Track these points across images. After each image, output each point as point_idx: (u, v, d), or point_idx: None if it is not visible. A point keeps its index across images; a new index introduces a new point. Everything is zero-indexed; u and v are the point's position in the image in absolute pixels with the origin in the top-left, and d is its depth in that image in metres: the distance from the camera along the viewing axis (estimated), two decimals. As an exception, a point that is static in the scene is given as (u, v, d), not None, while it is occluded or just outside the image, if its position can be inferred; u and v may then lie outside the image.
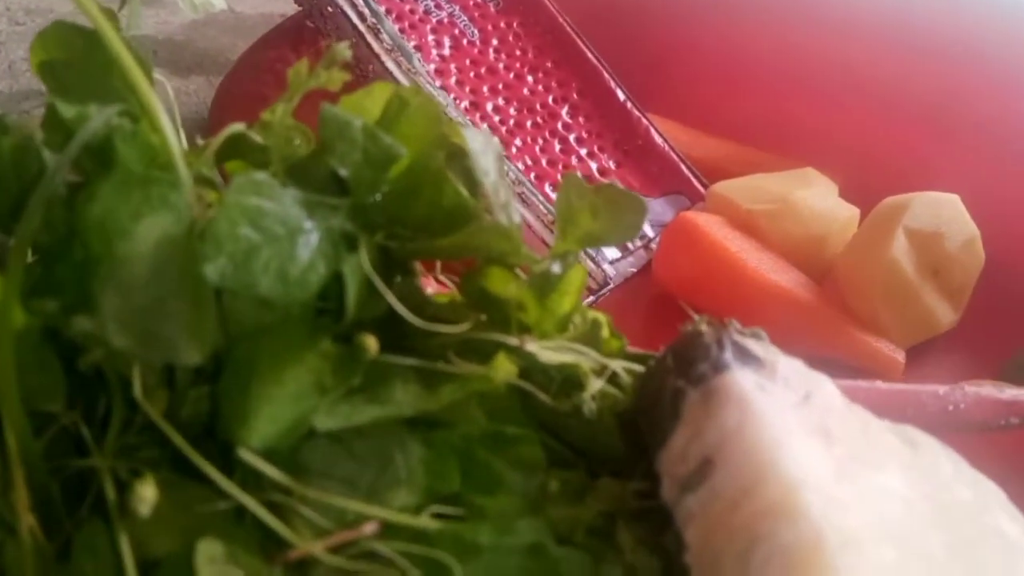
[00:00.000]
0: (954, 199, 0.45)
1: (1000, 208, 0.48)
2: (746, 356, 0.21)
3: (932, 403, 0.26)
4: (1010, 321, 0.47)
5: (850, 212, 0.48)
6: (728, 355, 0.21)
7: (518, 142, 0.50)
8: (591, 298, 0.46)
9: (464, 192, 0.23)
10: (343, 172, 0.21)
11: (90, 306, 0.18)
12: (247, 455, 0.19)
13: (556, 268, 0.23)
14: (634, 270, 0.50)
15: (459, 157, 0.23)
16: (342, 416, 0.20)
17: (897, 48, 0.54)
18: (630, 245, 0.51)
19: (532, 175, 0.49)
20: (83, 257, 0.19)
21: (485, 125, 0.49)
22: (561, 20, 0.53)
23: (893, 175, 0.52)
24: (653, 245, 0.51)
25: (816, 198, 0.48)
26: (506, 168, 0.46)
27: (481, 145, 0.22)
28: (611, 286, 0.47)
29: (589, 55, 0.53)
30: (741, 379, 0.20)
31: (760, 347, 0.22)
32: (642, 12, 0.56)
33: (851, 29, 0.55)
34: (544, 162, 0.50)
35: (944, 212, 0.44)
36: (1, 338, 0.17)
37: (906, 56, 0.54)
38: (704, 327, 0.22)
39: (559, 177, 0.50)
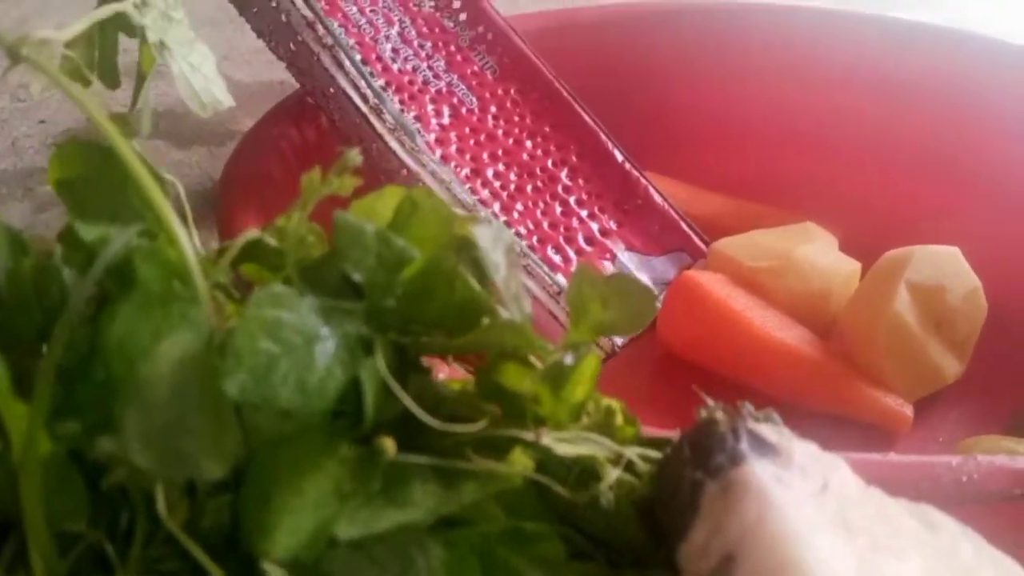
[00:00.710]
0: (954, 252, 0.45)
1: (1002, 256, 0.48)
2: (762, 445, 0.21)
3: (946, 475, 0.26)
4: (1017, 370, 0.47)
5: (851, 267, 0.48)
6: (744, 445, 0.21)
7: (519, 207, 0.51)
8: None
9: (475, 286, 0.23)
10: (357, 277, 0.21)
11: (112, 426, 0.18)
12: (270, 568, 0.19)
13: (569, 359, 0.23)
14: (639, 331, 0.50)
15: (469, 249, 0.23)
16: (363, 523, 0.20)
17: (892, 98, 0.55)
18: (634, 305, 0.51)
19: (535, 239, 0.50)
20: (105, 378, 0.19)
21: (486, 191, 0.50)
22: (557, 85, 0.54)
23: (893, 226, 0.52)
24: (657, 304, 0.51)
25: (817, 254, 0.48)
26: (515, 257, 0.47)
27: (491, 240, 0.23)
28: (618, 352, 0.48)
29: (586, 118, 0.54)
30: (759, 471, 0.20)
31: (775, 433, 0.22)
32: (636, 72, 0.57)
33: (846, 81, 0.56)
34: (546, 225, 0.51)
35: (945, 265, 0.45)
36: (28, 466, 0.18)
37: (901, 106, 0.55)
38: (719, 415, 0.22)
39: (560, 240, 0.51)
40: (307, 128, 0.47)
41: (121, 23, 0.26)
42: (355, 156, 0.22)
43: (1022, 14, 0.77)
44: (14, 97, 0.71)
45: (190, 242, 0.21)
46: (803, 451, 0.22)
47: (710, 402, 0.24)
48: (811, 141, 0.56)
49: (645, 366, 0.49)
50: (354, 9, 0.50)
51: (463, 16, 0.53)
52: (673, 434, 0.24)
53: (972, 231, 0.49)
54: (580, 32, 0.57)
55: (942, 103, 0.54)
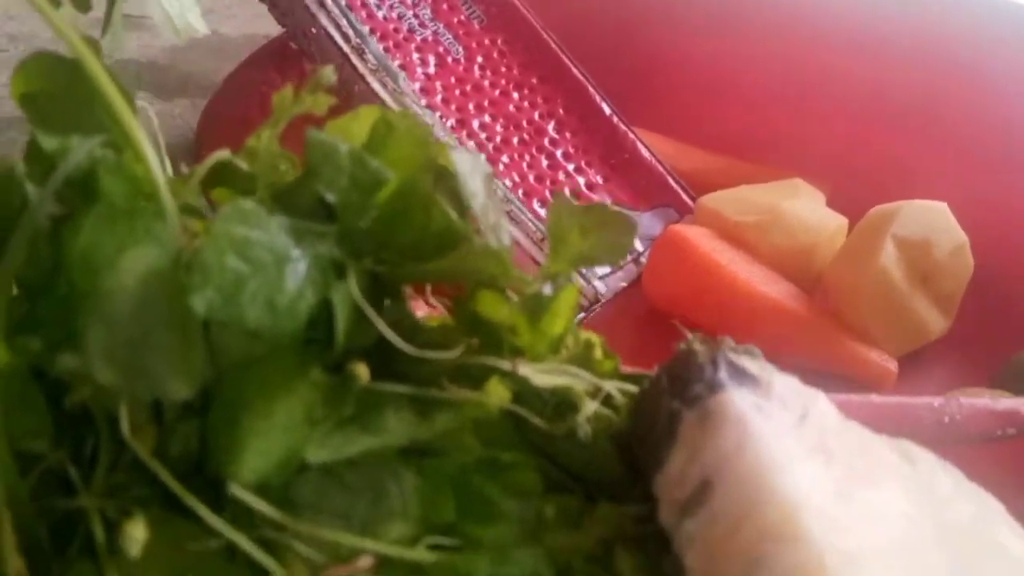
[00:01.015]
0: (942, 207, 0.45)
1: (988, 213, 0.48)
2: (742, 375, 0.21)
3: (927, 416, 0.26)
4: (1001, 326, 0.47)
5: (838, 222, 0.48)
6: (723, 374, 0.21)
7: (505, 159, 0.50)
8: (582, 315, 0.46)
9: (453, 214, 0.22)
10: (330, 198, 0.20)
11: (75, 342, 0.18)
12: (238, 491, 0.18)
13: (547, 289, 0.22)
14: (624, 284, 0.50)
15: (447, 179, 0.23)
16: (334, 447, 0.19)
17: (880, 55, 0.55)
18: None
19: (520, 192, 0.49)
20: (68, 292, 0.18)
21: (472, 143, 0.49)
22: (545, 36, 0.53)
23: (880, 183, 0.52)
24: (643, 259, 0.50)
25: (804, 209, 0.48)
26: (495, 187, 0.46)
27: (469, 167, 0.22)
28: (602, 302, 0.47)
29: (574, 71, 0.53)
30: (738, 399, 0.20)
31: (755, 365, 0.22)
32: (625, 26, 0.56)
33: (834, 38, 0.56)
34: (532, 178, 0.50)
35: (932, 220, 0.44)
36: (-16, 378, 0.17)
37: (889, 63, 0.55)
38: (698, 346, 0.22)
39: (547, 193, 0.50)
40: (290, 73, 0.46)
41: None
42: (329, 74, 0.21)
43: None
44: (-8, 46, 0.70)
45: (157, 159, 0.20)
46: (783, 383, 0.21)
47: (690, 335, 0.23)
48: (799, 98, 0.55)
49: (631, 320, 0.49)
50: (339, -46, 0.49)
51: (450, -36, 0.53)
52: (653, 372, 0.24)
53: (960, 188, 0.48)
54: (569, -17, 0.56)
55: (930, 60, 0.53)
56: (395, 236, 0.22)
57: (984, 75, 0.51)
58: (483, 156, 0.22)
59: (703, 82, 0.57)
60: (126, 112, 0.20)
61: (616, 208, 0.23)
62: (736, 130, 0.56)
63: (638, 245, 0.51)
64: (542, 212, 0.49)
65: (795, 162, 0.53)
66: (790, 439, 0.19)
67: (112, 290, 0.18)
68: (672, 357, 0.22)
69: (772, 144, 0.55)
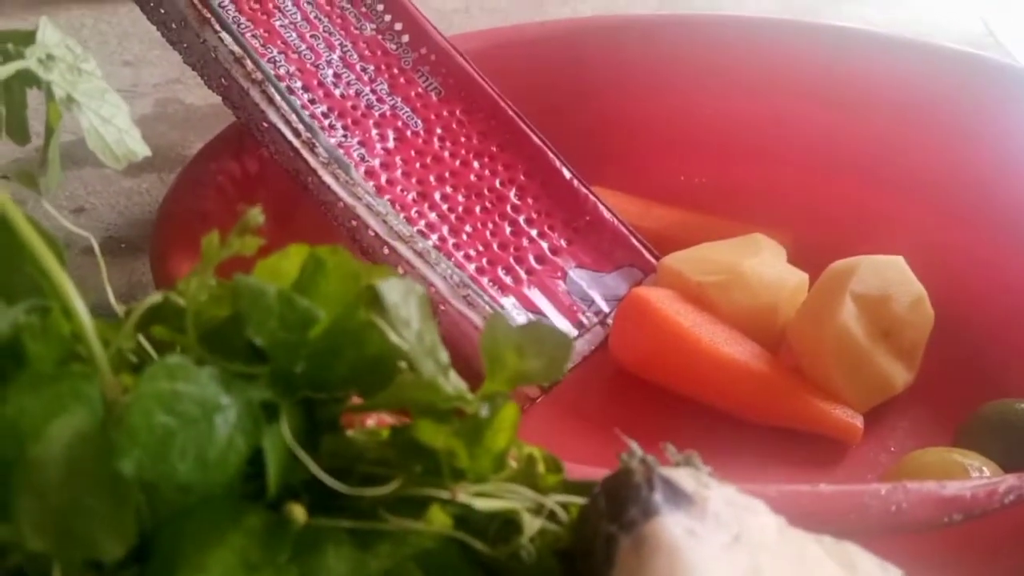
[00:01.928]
0: (898, 261, 0.45)
1: (949, 262, 0.48)
2: (676, 496, 0.21)
3: (874, 504, 0.26)
4: (965, 376, 0.47)
5: (799, 278, 0.48)
6: (658, 496, 0.21)
7: (468, 228, 0.50)
8: (542, 392, 0.46)
9: (392, 337, 0.23)
10: (259, 342, 0.21)
11: (5, 512, 0.18)
12: (175, 649, 0.18)
13: (485, 411, 0.23)
14: (591, 348, 0.50)
15: (378, 305, 0.23)
16: (272, 595, 0.20)
17: (837, 106, 0.56)
18: (586, 322, 0.51)
19: (484, 260, 0.50)
20: (-4, 461, 0.18)
21: (434, 214, 0.49)
22: (503, 104, 0.53)
23: (841, 232, 0.52)
24: (609, 320, 0.51)
25: (764, 266, 0.48)
26: (451, 272, 0.46)
27: (400, 296, 0.22)
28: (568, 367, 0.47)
29: (533, 136, 0.53)
30: (671, 525, 0.20)
31: (692, 480, 0.22)
32: (580, 87, 0.57)
33: (790, 90, 0.56)
34: (495, 246, 0.51)
35: (889, 274, 0.45)
36: (-88, 558, 0.17)
37: (845, 114, 0.55)
38: (635, 463, 0.22)
39: (511, 260, 0.50)
40: (248, 160, 0.46)
41: (27, 79, 0.25)
42: (256, 215, 0.22)
43: (962, 18, 0.77)
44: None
45: (87, 312, 0.20)
46: (719, 497, 0.21)
47: (632, 445, 0.23)
48: (758, 151, 0.56)
49: (598, 383, 0.49)
50: (294, 35, 0.49)
51: (405, 38, 0.53)
52: (599, 475, 0.24)
53: (919, 238, 0.49)
54: (523, 49, 0.56)
55: (889, 109, 0.54)
56: (330, 371, 0.22)
57: (944, 124, 0.52)
58: (417, 281, 0.22)
59: (662, 139, 0.57)
60: (54, 267, 0.20)
61: (550, 326, 0.24)
62: (696, 185, 0.57)
63: (604, 307, 0.52)
64: (507, 280, 0.50)
65: (756, 214, 0.53)
66: (722, 564, 0.19)
67: (40, 459, 0.18)
68: (611, 474, 0.22)
69: (733, 198, 0.55)
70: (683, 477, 0.22)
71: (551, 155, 0.53)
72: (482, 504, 0.22)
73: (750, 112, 0.57)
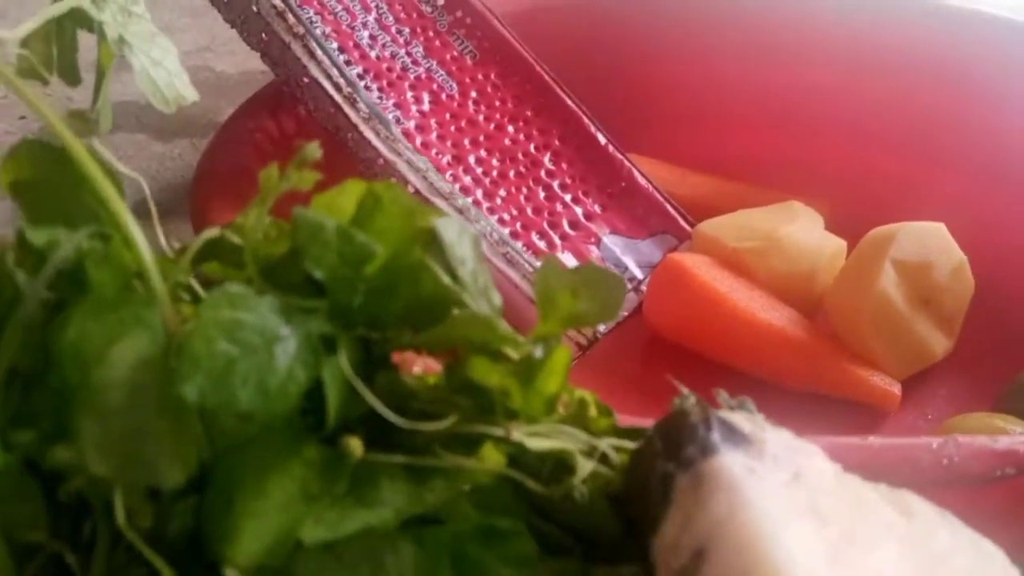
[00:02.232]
0: (940, 228, 0.45)
1: (988, 231, 0.48)
2: (734, 435, 0.21)
3: (926, 458, 0.26)
4: (1005, 344, 0.47)
5: (837, 245, 0.48)
6: (715, 436, 0.21)
7: (502, 192, 0.50)
8: (585, 348, 0.46)
9: (444, 278, 0.22)
10: (318, 275, 0.21)
11: (69, 435, 0.18)
12: (233, 574, 0.19)
13: (539, 352, 0.23)
14: (625, 314, 0.50)
15: (437, 243, 0.23)
16: (330, 525, 0.20)
17: (873, 73, 0.55)
18: (620, 288, 0.50)
19: (518, 224, 0.49)
20: (60, 385, 0.18)
21: (469, 178, 0.49)
22: (538, 68, 0.53)
23: (878, 202, 0.52)
24: (643, 287, 0.50)
25: (802, 232, 0.48)
26: (491, 230, 0.46)
27: (455, 234, 0.22)
28: (604, 332, 0.47)
29: (568, 101, 0.53)
30: (730, 463, 0.20)
31: (748, 422, 0.22)
32: (618, 54, 0.56)
33: (827, 57, 0.56)
34: (529, 211, 0.50)
35: (930, 241, 0.44)
36: (-20, 476, 0.17)
37: (882, 81, 0.55)
38: (690, 405, 0.22)
39: (544, 225, 0.50)
40: (285, 118, 0.46)
41: (79, 19, 0.25)
42: (315, 149, 0.21)
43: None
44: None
45: (146, 242, 0.20)
46: (776, 439, 0.21)
47: (684, 390, 0.23)
48: (795, 119, 0.55)
49: (632, 349, 0.49)
50: (330, -4, 0.49)
51: (441, 1, 0.53)
52: (648, 424, 0.24)
53: (957, 207, 0.48)
54: (559, 14, 0.56)
55: (926, 78, 0.53)
56: (385, 308, 0.22)
57: (980, 92, 0.51)
58: (469, 223, 0.22)
59: (698, 106, 0.57)
60: (114, 198, 0.20)
61: (605, 268, 0.24)
62: (732, 153, 0.56)
63: (638, 273, 0.51)
64: (540, 245, 0.49)
65: (792, 183, 0.53)
66: (783, 502, 0.19)
67: (103, 383, 0.18)
68: (665, 416, 0.22)
69: (769, 165, 0.55)
70: (739, 419, 0.22)
71: (586, 120, 0.53)
72: (535, 444, 0.22)
73: (786, 80, 0.56)
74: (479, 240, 0.23)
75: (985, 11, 0.54)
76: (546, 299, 0.23)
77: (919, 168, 0.53)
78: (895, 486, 0.23)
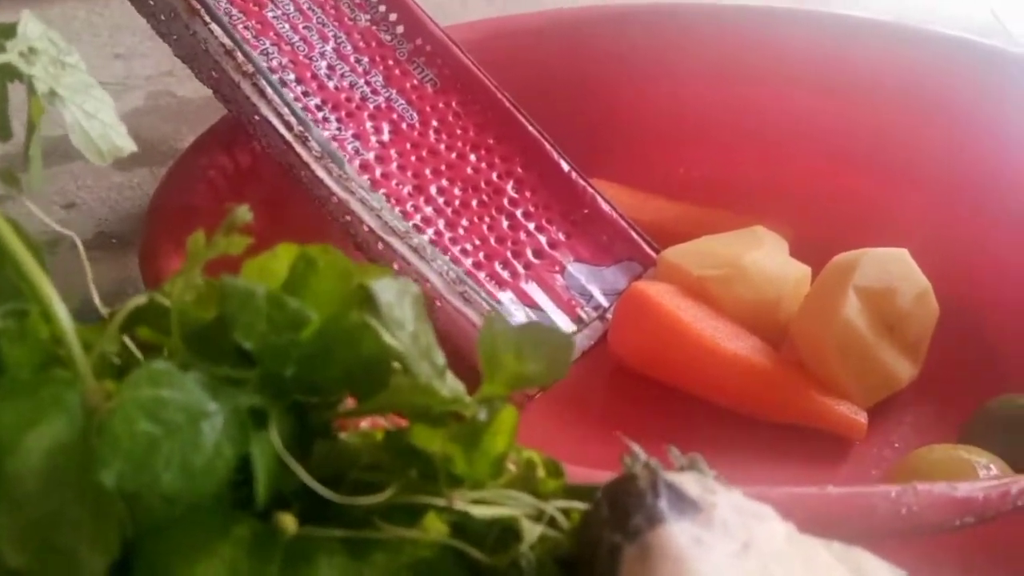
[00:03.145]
0: (902, 254, 0.44)
1: (952, 256, 0.47)
2: (682, 503, 0.20)
3: (884, 506, 0.25)
4: (970, 370, 0.46)
5: (801, 271, 0.47)
6: (663, 504, 0.20)
7: (465, 222, 0.49)
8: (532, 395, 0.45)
9: (385, 338, 0.22)
10: (248, 346, 0.20)
11: (-18, 526, 0.17)
12: (161, 666, 0.18)
13: (483, 415, 0.22)
14: (591, 343, 0.49)
15: (376, 304, 0.22)
16: (262, 609, 0.19)
17: (840, 97, 0.55)
18: (584, 317, 0.50)
19: (481, 254, 0.49)
20: (-28, 473, 0.18)
21: (430, 208, 0.48)
22: (500, 96, 0.52)
23: (843, 225, 0.52)
24: (608, 315, 0.50)
25: (766, 259, 0.47)
26: (447, 268, 0.46)
27: (394, 295, 0.22)
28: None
29: (530, 128, 0.53)
30: (677, 534, 0.19)
31: (698, 485, 0.21)
32: (578, 79, 0.56)
33: (793, 80, 0.56)
34: (493, 240, 0.50)
35: (893, 267, 0.44)
36: None
37: (849, 104, 0.55)
38: (639, 468, 0.21)
39: (508, 255, 0.50)
40: (239, 153, 0.45)
41: (8, 72, 0.25)
42: (244, 213, 0.21)
43: (969, 5, 0.76)
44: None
45: (67, 315, 0.19)
46: (726, 503, 0.21)
47: (635, 449, 0.23)
48: (759, 142, 0.55)
49: (597, 378, 0.48)
50: (287, 27, 0.48)
51: (400, 29, 0.52)
52: (601, 479, 0.23)
53: (923, 230, 0.48)
54: (520, 39, 0.56)
55: (892, 101, 0.53)
56: (322, 374, 0.21)
57: (947, 114, 0.51)
58: (411, 281, 0.21)
59: (661, 130, 0.56)
60: (33, 270, 0.19)
61: (550, 327, 0.23)
62: (697, 177, 0.56)
63: (603, 301, 0.51)
64: (504, 275, 0.49)
65: (756, 206, 0.52)
66: (732, 573, 0.19)
67: (18, 471, 0.17)
68: (614, 480, 0.22)
69: (734, 190, 0.55)
70: (688, 482, 0.21)
71: (549, 147, 0.53)
72: (480, 511, 0.21)
73: (751, 103, 0.56)
74: (420, 300, 0.22)
75: (954, 34, 0.54)
76: (490, 360, 0.22)
77: (884, 191, 0.53)
78: (852, 536, 0.22)
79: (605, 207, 0.53)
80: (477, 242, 0.49)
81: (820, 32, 0.56)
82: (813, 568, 0.20)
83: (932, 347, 0.45)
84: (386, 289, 0.21)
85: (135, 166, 0.65)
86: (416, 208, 0.48)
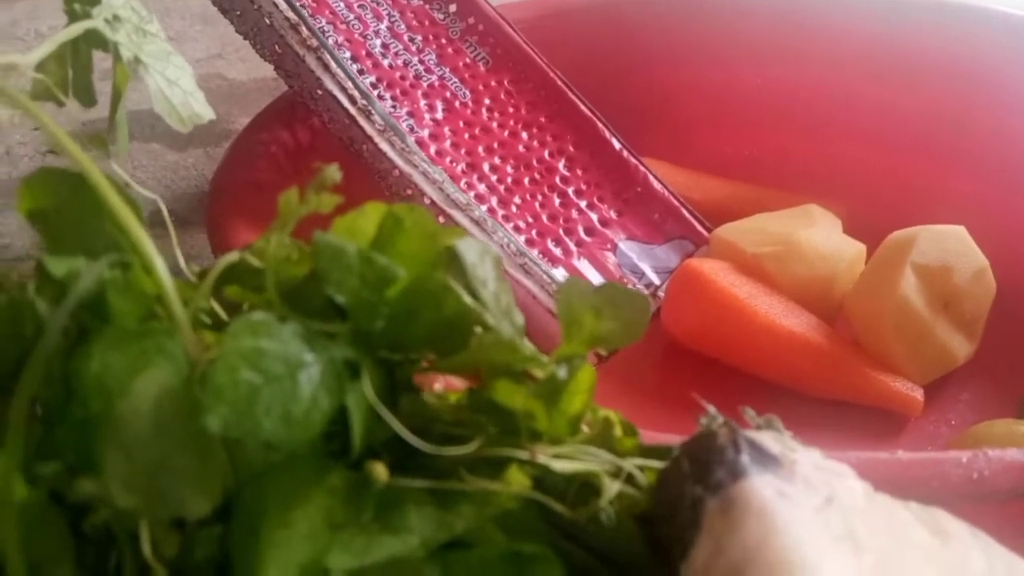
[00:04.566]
0: (960, 231, 0.44)
1: (1009, 234, 0.47)
2: (764, 457, 0.20)
3: (955, 472, 0.25)
4: (1027, 348, 0.46)
5: (856, 249, 0.47)
6: (745, 458, 0.20)
7: (517, 200, 0.50)
8: (603, 358, 0.46)
9: (466, 298, 0.22)
10: (340, 299, 0.20)
11: (93, 467, 0.18)
12: (261, 606, 0.18)
13: (563, 373, 0.22)
14: (635, 340, 0.49)
15: (458, 263, 0.23)
16: (356, 553, 0.19)
17: (893, 75, 0.54)
18: (637, 295, 0.50)
19: (534, 232, 0.49)
20: (83, 417, 0.18)
21: (483, 185, 0.49)
22: (552, 74, 0.53)
23: (896, 205, 0.51)
24: (660, 293, 0.50)
25: (820, 237, 0.47)
26: (508, 241, 0.46)
27: (476, 255, 0.22)
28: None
29: (582, 106, 0.53)
30: (760, 487, 0.19)
31: (777, 443, 0.21)
32: (630, 57, 0.56)
33: (844, 59, 0.55)
34: (545, 217, 0.50)
35: (950, 245, 0.44)
36: (4, 510, 0.17)
37: (900, 83, 0.54)
38: (717, 425, 0.22)
39: (560, 232, 0.50)
40: (299, 130, 0.46)
41: (94, 39, 0.25)
42: (334, 172, 0.21)
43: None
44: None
45: (166, 268, 0.20)
46: (806, 460, 0.21)
47: (710, 408, 0.23)
48: (811, 121, 0.55)
49: (650, 356, 0.48)
50: (342, 6, 0.49)
51: (453, 7, 0.52)
52: (674, 441, 0.23)
53: (977, 209, 0.48)
54: (572, 18, 0.56)
55: (944, 79, 0.52)
56: (408, 331, 0.21)
57: (999, 93, 0.51)
58: (490, 242, 0.22)
59: (713, 109, 0.56)
60: (133, 225, 0.20)
61: (628, 288, 0.23)
62: (749, 156, 0.56)
63: (655, 279, 0.51)
64: (556, 252, 0.49)
65: (809, 186, 0.52)
66: (816, 527, 0.19)
67: (127, 415, 0.18)
68: (692, 436, 0.22)
69: (786, 168, 0.54)
70: (768, 439, 0.21)
71: (600, 126, 0.53)
72: (561, 466, 0.22)
73: (801, 82, 0.56)
74: (500, 261, 0.23)
75: (1004, 10, 0.53)
76: (569, 319, 0.23)
77: (938, 170, 0.52)
78: (923, 502, 0.23)
79: (657, 186, 0.53)
80: (530, 219, 0.50)
81: (869, 11, 0.55)
82: (894, 525, 0.20)
83: (988, 325, 0.45)
84: (470, 249, 0.22)
85: (189, 146, 0.66)
86: (469, 185, 0.48)
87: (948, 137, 0.53)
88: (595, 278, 0.50)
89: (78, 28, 0.25)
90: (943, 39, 0.53)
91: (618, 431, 0.24)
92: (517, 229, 0.49)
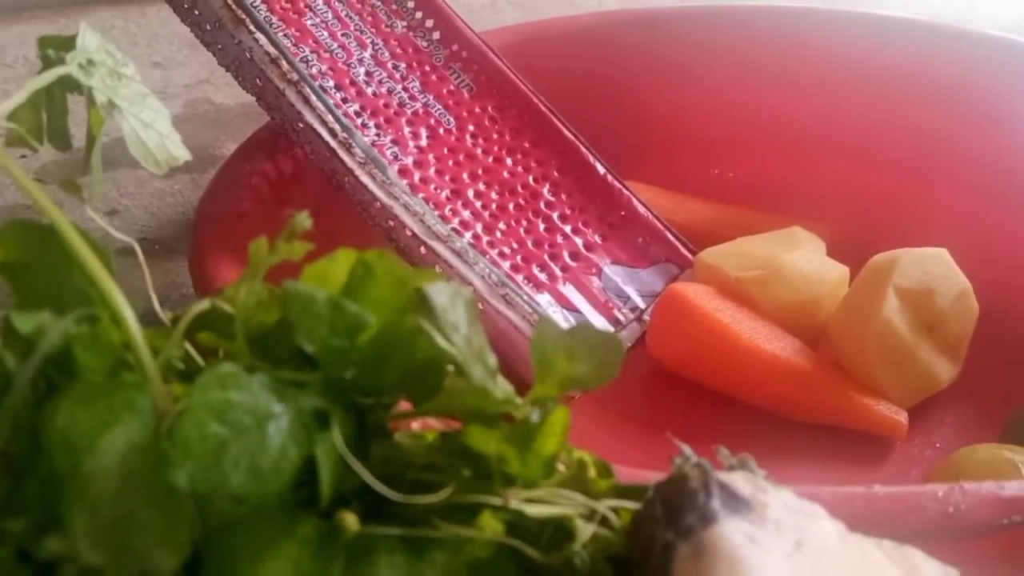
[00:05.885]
0: (942, 253, 0.44)
1: (991, 256, 0.47)
2: (735, 501, 0.20)
3: (932, 506, 0.25)
4: (1011, 369, 0.46)
5: (839, 272, 0.47)
6: (715, 503, 0.20)
7: (502, 226, 0.50)
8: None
9: (439, 341, 0.22)
10: (310, 349, 0.20)
11: (60, 524, 0.18)
12: (231, 661, 0.18)
13: (535, 416, 0.22)
14: (628, 344, 0.50)
15: (430, 308, 0.23)
16: (327, 605, 0.19)
17: (875, 98, 0.55)
18: (622, 319, 0.50)
19: (518, 257, 0.49)
20: (50, 472, 0.18)
21: (468, 212, 0.49)
22: (535, 100, 0.53)
23: (880, 225, 0.52)
24: (646, 317, 0.50)
25: (804, 260, 0.47)
26: (489, 271, 0.46)
27: (448, 299, 0.22)
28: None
29: (565, 132, 0.53)
30: (730, 532, 0.19)
31: (749, 484, 0.21)
32: (613, 82, 0.56)
33: (826, 81, 0.56)
34: (530, 243, 0.50)
35: (932, 267, 0.44)
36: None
37: (884, 105, 0.54)
38: (690, 467, 0.22)
39: (545, 258, 0.50)
40: (282, 160, 0.46)
41: (68, 84, 0.25)
42: (304, 220, 0.21)
43: (1002, 3, 0.76)
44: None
45: (135, 320, 0.20)
46: (778, 502, 0.21)
47: (684, 449, 0.23)
48: (794, 143, 0.55)
49: (635, 380, 0.48)
50: (325, 34, 0.49)
51: (436, 35, 0.53)
52: (650, 479, 0.23)
53: (961, 230, 0.48)
54: (555, 44, 0.56)
55: (925, 100, 0.53)
56: (379, 378, 0.21)
57: (983, 116, 0.51)
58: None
59: (696, 132, 0.57)
60: (102, 276, 0.20)
61: (601, 329, 0.23)
62: (732, 179, 0.56)
63: (640, 303, 0.51)
64: (541, 277, 0.49)
65: (792, 207, 0.53)
66: (786, 573, 0.19)
67: (93, 472, 0.18)
68: (665, 479, 0.22)
69: (769, 191, 0.55)
70: (740, 481, 0.21)
71: (584, 150, 0.53)
72: (534, 510, 0.22)
73: (785, 104, 0.56)
74: (473, 302, 0.23)
75: (986, 31, 0.54)
76: (543, 362, 0.23)
77: (921, 191, 0.52)
78: (899, 536, 0.23)
79: (641, 209, 0.53)
80: (515, 245, 0.50)
81: (852, 32, 0.56)
82: (865, 566, 0.20)
83: (972, 347, 0.45)
84: (440, 293, 0.22)
85: (176, 173, 0.66)
86: (454, 212, 0.48)
87: (931, 157, 0.53)
88: (581, 303, 0.50)
89: (51, 75, 0.25)
90: (927, 60, 0.54)
91: (592, 472, 0.24)
92: (502, 255, 0.49)
